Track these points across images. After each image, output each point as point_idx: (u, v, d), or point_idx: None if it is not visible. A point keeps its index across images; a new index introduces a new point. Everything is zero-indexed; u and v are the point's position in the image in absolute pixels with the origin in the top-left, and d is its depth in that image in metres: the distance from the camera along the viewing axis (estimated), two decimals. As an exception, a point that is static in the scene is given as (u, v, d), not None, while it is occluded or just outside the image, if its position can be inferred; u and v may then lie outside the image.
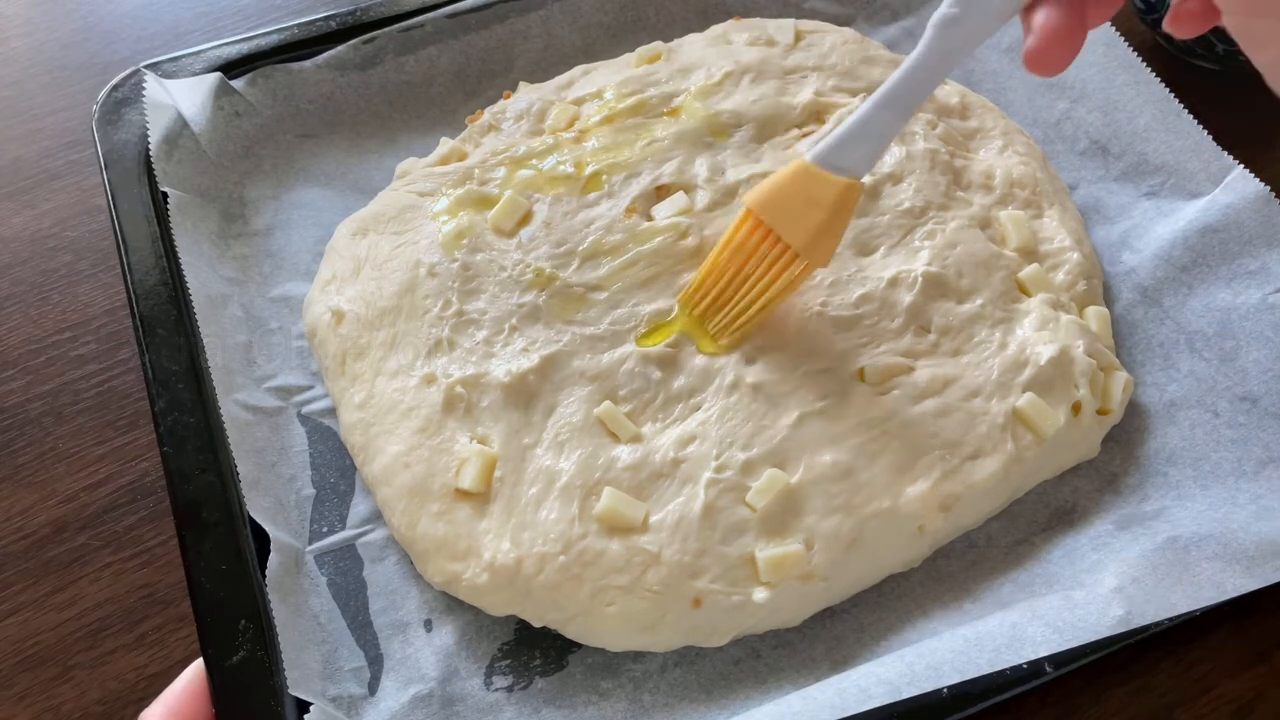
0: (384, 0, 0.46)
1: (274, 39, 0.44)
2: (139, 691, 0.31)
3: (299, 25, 0.45)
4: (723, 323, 0.35)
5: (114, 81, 0.43)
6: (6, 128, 0.48)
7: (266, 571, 0.32)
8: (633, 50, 0.46)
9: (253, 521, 0.33)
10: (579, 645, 0.33)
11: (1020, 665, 0.29)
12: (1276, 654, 0.32)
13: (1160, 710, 0.32)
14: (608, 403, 0.34)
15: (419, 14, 0.45)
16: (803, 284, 0.35)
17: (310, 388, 0.39)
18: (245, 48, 0.44)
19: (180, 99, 0.42)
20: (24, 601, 0.35)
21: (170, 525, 0.37)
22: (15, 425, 0.39)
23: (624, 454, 0.33)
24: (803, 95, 0.42)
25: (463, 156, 0.41)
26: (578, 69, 0.44)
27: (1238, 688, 0.32)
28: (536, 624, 0.32)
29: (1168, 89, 0.41)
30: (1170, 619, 0.30)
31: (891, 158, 0.41)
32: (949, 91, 0.45)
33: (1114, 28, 0.42)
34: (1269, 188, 0.37)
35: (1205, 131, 0.39)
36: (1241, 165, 0.38)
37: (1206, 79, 0.49)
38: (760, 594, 0.32)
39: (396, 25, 0.45)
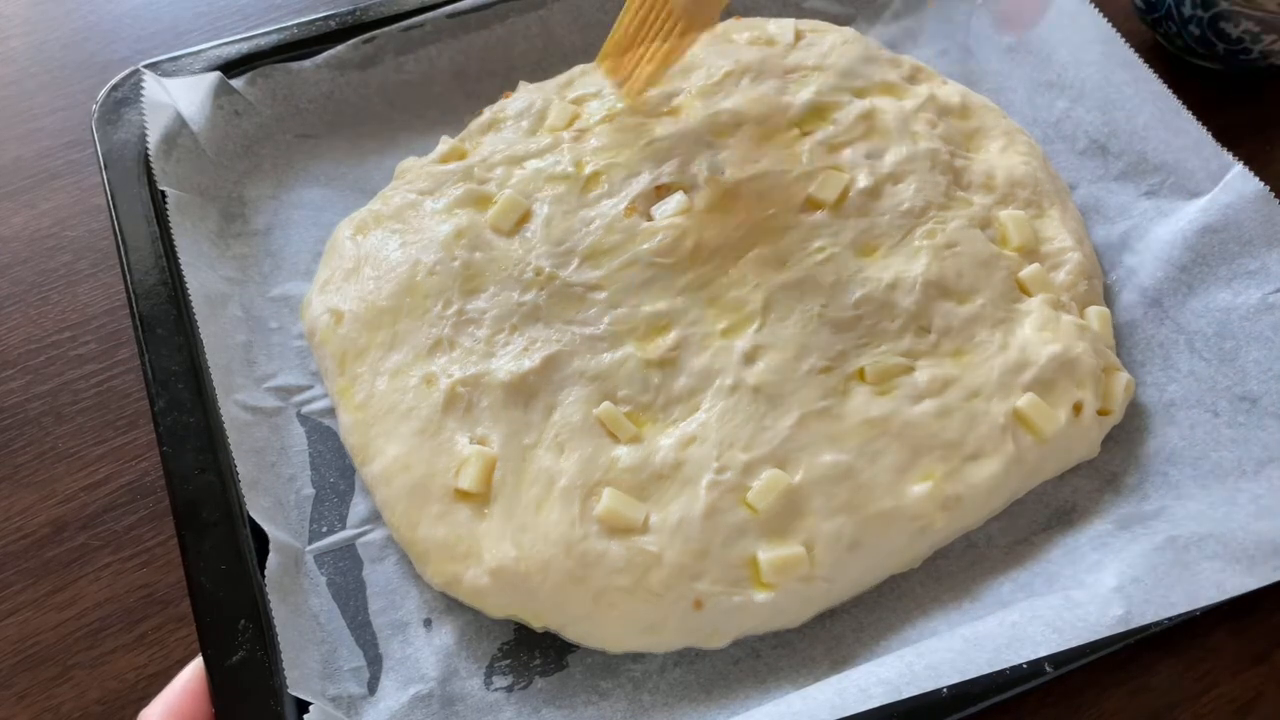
0: (384, 0, 0.46)
1: (274, 39, 0.44)
2: (139, 691, 0.31)
3: (298, 25, 0.45)
4: (629, 75, 0.38)
5: (113, 81, 0.43)
6: (6, 127, 0.48)
7: (266, 571, 0.32)
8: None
9: (253, 521, 0.33)
10: (579, 645, 0.33)
11: (1020, 665, 0.29)
12: (1276, 654, 0.32)
13: (1160, 710, 0.32)
14: (607, 403, 0.34)
15: (419, 13, 0.45)
16: (689, 45, 0.39)
17: (310, 387, 0.39)
18: (245, 47, 0.44)
19: (179, 98, 0.42)
20: (24, 601, 0.35)
21: (170, 525, 0.37)
22: (15, 425, 0.39)
23: (624, 455, 0.33)
24: (803, 95, 0.42)
25: (462, 155, 0.41)
26: (577, 68, 0.44)
27: (1238, 687, 0.32)
28: (538, 627, 0.32)
29: (1167, 88, 0.41)
30: (1170, 618, 0.30)
31: (892, 157, 0.41)
32: (950, 91, 0.45)
33: (1114, 27, 0.42)
34: (1269, 187, 0.37)
35: (1205, 129, 0.39)
36: (1241, 164, 0.38)
37: (1206, 79, 0.49)
38: (762, 595, 0.32)
39: (396, 25, 0.45)
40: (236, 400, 0.37)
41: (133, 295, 0.38)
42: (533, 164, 0.40)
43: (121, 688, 0.34)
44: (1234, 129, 0.41)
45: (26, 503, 0.37)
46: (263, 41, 0.44)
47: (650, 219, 0.39)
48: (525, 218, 0.39)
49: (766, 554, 0.32)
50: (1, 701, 0.33)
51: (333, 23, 0.45)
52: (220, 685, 0.30)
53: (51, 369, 0.41)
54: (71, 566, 0.36)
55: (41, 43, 0.52)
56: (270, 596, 0.32)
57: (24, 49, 0.52)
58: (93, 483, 0.38)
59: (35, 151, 0.47)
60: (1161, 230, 0.39)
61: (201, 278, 0.39)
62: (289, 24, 0.45)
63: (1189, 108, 0.40)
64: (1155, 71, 0.41)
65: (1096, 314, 0.38)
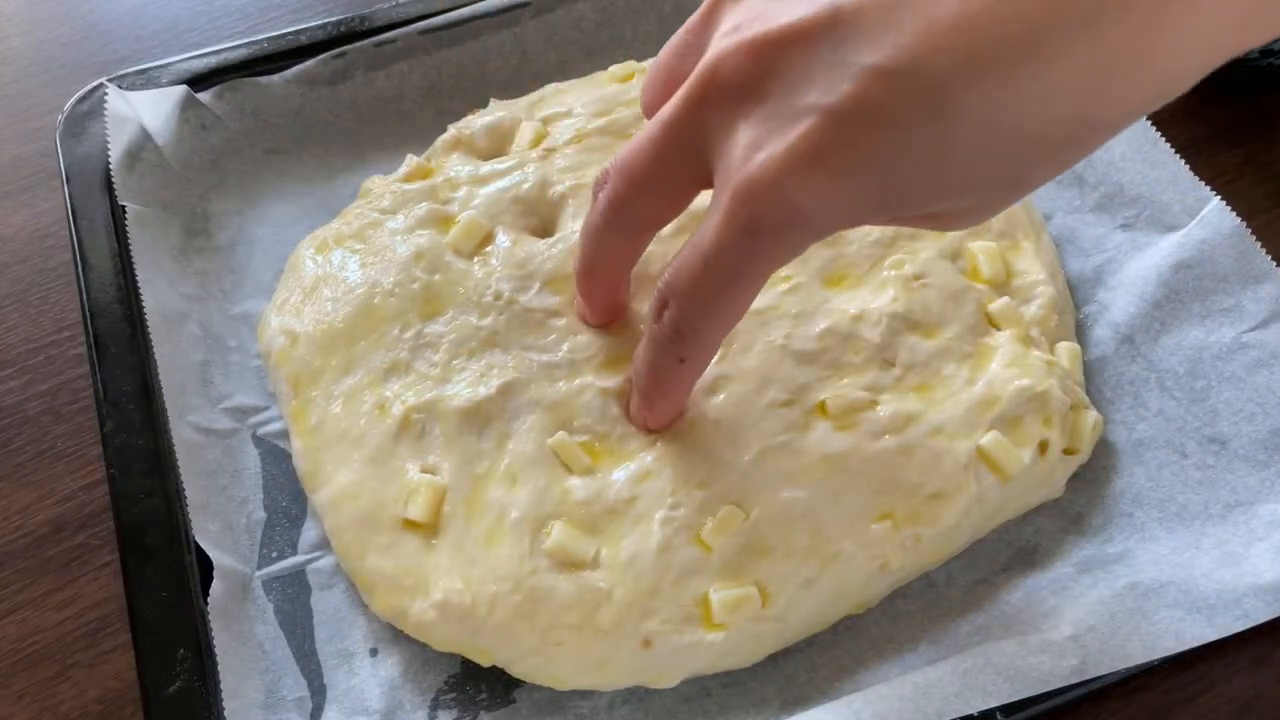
0: (355, 14, 0.45)
1: (242, 52, 0.44)
2: (137, 691, 0.31)
3: (268, 39, 0.44)
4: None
5: (79, 94, 0.42)
6: (5, 126, 0.48)
7: (209, 598, 0.31)
8: (608, 68, 0.45)
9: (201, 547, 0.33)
10: (526, 680, 0.32)
11: (971, 716, 0.28)
12: (1276, 654, 0.32)
13: (1160, 710, 0.31)
14: (562, 433, 0.34)
15: (391, 29, 0.45)
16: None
17: (267, 408, 0.38)
18: (213, 61, 0.44)
19: (144, 112, 0.42)
20: (22, 600, 0.35)
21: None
22: (14, 424, 0.39)
23: (577, 487, 0.33)
24: (775, 119, 0.42)
25: (427, 174, 0.41)
26: (549, 86, 0.44)
27: (1237, 687, 0.31)
28: (484, 664, 0.32)
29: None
30: (1126, 669, 0.29)
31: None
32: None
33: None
34: (1269, 188, 0.36)
35: (1182, 161, 0.39)
36: (1219, 198, 0.38)
37: (1206, 78, 0.48)
38: (712, 635, 0.31)
39: (368, 40, 0.45)
40: (190, 421, 0.36)
41: (88, 313, 0.37)
42: (497, 184, 0.39)
43: (121, 687, 0.33)
44: (1234, 129, 0.40)
45: (25, 502, 0.37)
46: (231, 55, 0.44)
47: (615, 243, 0.38)
48: (487, 239, 0.38)
49: (719, 593, 0.31)
50: (0, 700, 0.33)
51: (303, 37, 0.45)
52: (156, 716, 0.30)
53: (51, 368, 0.41)
54: (71, 566, 0.36)
55: (41, 42, 0.52)
56: (213, 624, 0.31)
57: (23, 48, 0.52)
58: (92, 482, 0.37)
59: (35, 151, 0.47)
60: (1136, 265, 0.39)
61: (160, 294, 0.38)
62: (259, 38, 0.44)
63: (1187, 108, 0.39)
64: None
65: (1066, 350, 0.37)
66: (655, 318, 0.28)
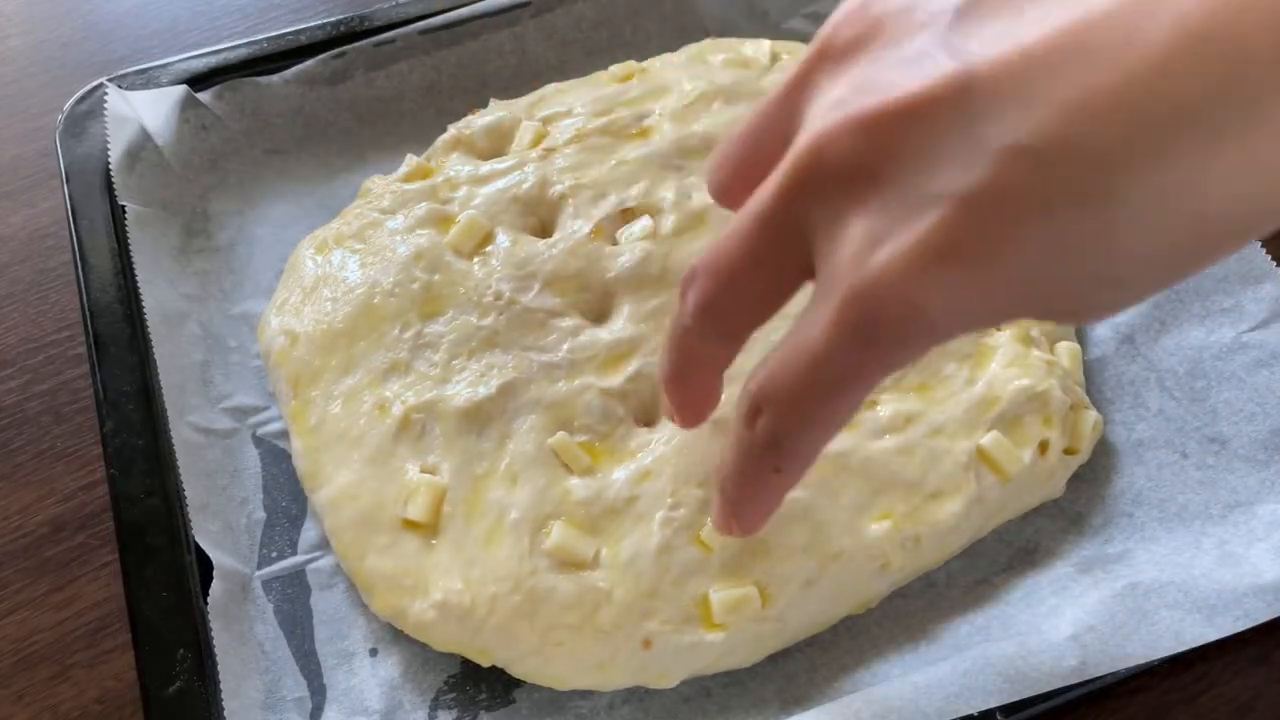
0: (355, 14, 0.45)
1: (242, 52, 0.44)
2: (137, 691, 0.31)
3: (268, 39, 0.44)
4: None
5: (78, 94, 0.42)
6: (5, 126, 0.48)
7: (209, 598, 0.31)
8: (608, 68, 0.45)
9: (201, 547, 0.33)
10: (525, 681, 0.32)
11: (971, 716, 0.28)
12: (1276, 654, 0.32)
13: (1160, 710, 0.31)
14: (562, 433, 0.34)
15: (391, 29, 0.45)
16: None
17: (267, 408, 0.38)
18: (213, 61, 0.44)
19: (144, 112, 0.42)
20: (22, 600, 0.35)
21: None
22: (14, 424, 0.39)
23: (577, 487, 0.33)
24: (775, 119, 0.42)
25: (427, 174, 0.41)
26: (549, 86, 0.44)
27: (1238, 688, 0.31)
28: (484, 664, 0.32)
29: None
30: (1126, 670, 0.29)
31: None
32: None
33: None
34: None
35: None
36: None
37: None
38: (712, 636, 0.31)
39: (368, 40, 0.45)
40: (190, 421, 0.36)
41: (88, 313, 0.37)
42: (497, 184, 0.39)
43: (121, 687, 0.33)
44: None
45: (25, 501, 0.37)
46: (231, 55, 0.44)
47: (615, 243, 0.38)
48: (487, 239, 0.38)
49: (719, 593, 0.31)
50: (0, 701, 0.33)
51: (303, 37, 0.45)
52: (156, 716, 0.30)
53: (50, 368, 0.41)
54: (70, 565, 0.36)
55: (40, 42, 0.52)
56: (213, 624, 0.31)
57: (22, 48, 0.52)
58: (91, 482, 0.37)
59: (34, 150, 0.47)
60: (1136, 264, 0.39)
61: (160, 294, 0.38)
62: (258, 38, 0.44)
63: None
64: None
65: (1067, 350, 0.37)
66: (747, 424, 0.24)
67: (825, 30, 0.22)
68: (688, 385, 0.29)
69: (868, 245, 0.20)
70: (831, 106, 0.21)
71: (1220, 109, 0.16)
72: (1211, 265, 0.20)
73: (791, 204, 0.21)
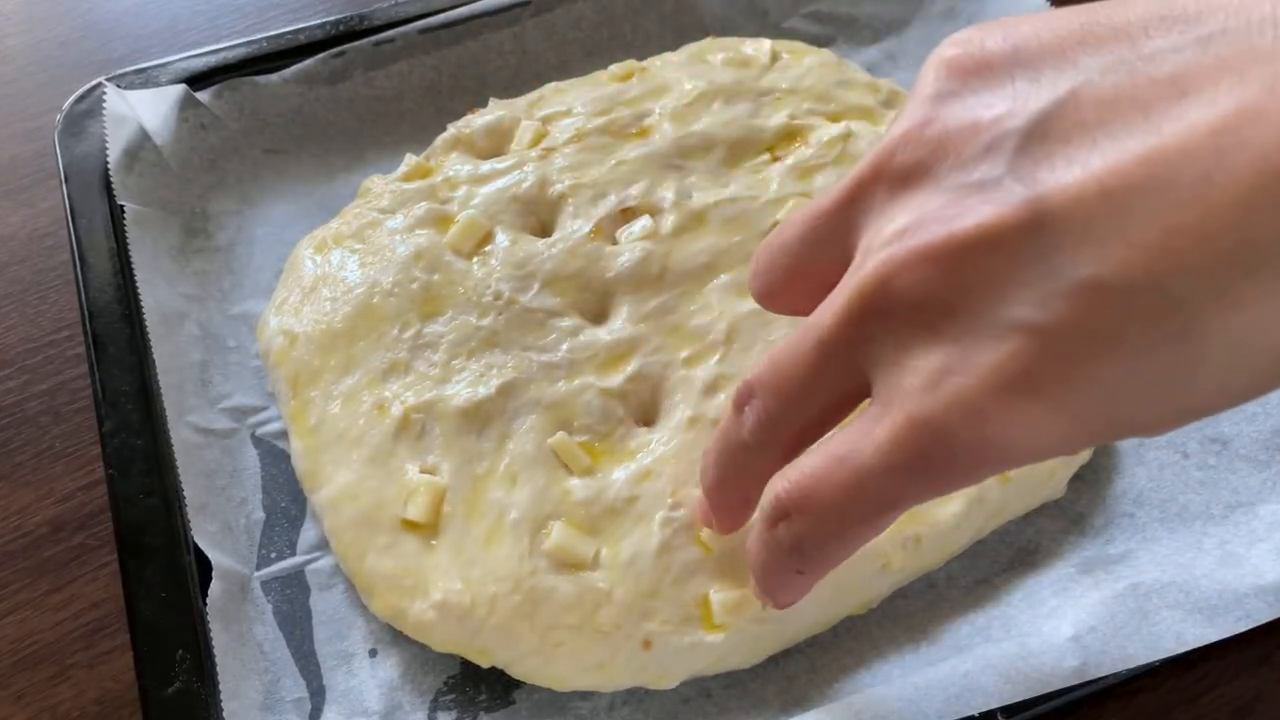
0: (355, 14, 0.45)
1: (241, 52, 0.44)
2: (136, 692, 0.31)
3: (267, 39, 0.44)
4: None
5: (77, 94, 0.42)
6: (4, 126, 0.48)
7: (208, 599, 0.31)
8: (608, 68, 0.45)
9: (200, 548, 0.33)
10: (525, 682, 0.32)
11: (972, 716, 0.28)
12: (1277, 654, 0.32)
13: (1161, 710, 0.31)
14: (561, 433, 0.34)
15: (391, 28, 0.45)
16: None
17: (266, 408, 0.38)
18: (212, 60, 0.44)
19: (143, 112, 0.42)
20: (21, 601, 0.35)
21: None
22: (13, 424, 0.39)
23: (577, 487, 0.33)
24: (776, 119, 0.42)
25: (427, 174, 0.41)
26: (549, 86, 0.44)
27: (1238, 688, 0.31)
28: (484, 664, 0.31)
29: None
30: (1128, 670, 0.29)
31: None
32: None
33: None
34: None
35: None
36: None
37: None
38: (713, 636, 0.31)
39: (367, 39, 0.45)
40: (189, 421, 0.36)
41: (86, 313, 0.37)
42: (496, 183, 0.39)
43: (119, 688, 0.33)
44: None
45: (24, 502, 0.37)
46: (230, 54, 0.44)
47: (615, 243, 0.38)
48: (487, 238, 0.38)
49: (718, 594, 0.31)
50: None
51: (302, 36, 0.45)
52: (155, 717, 0.30)
53: (49, 368, 0.41)
54: (69, 566, 0.36)
55: (39, 41, 0.52)
56: (212, 625, 0.31)
57: (21, 47, 0.52)
58: (90, 482, 0.37)
59: (33, 150, 0.47)
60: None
61: (159, 294, 0.38)
62: (257, 37, 0.44)
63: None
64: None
65: (1067, 349, 0.37)
66: (770, 524, 0.24)
67: (884, 146, 0.21)
68: (732, 494, 0.28)
69: (938, 374, 0.19)
70: (897, 235, 0.20)
71: None
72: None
73: (858, 330, 0.21)
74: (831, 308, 0.22)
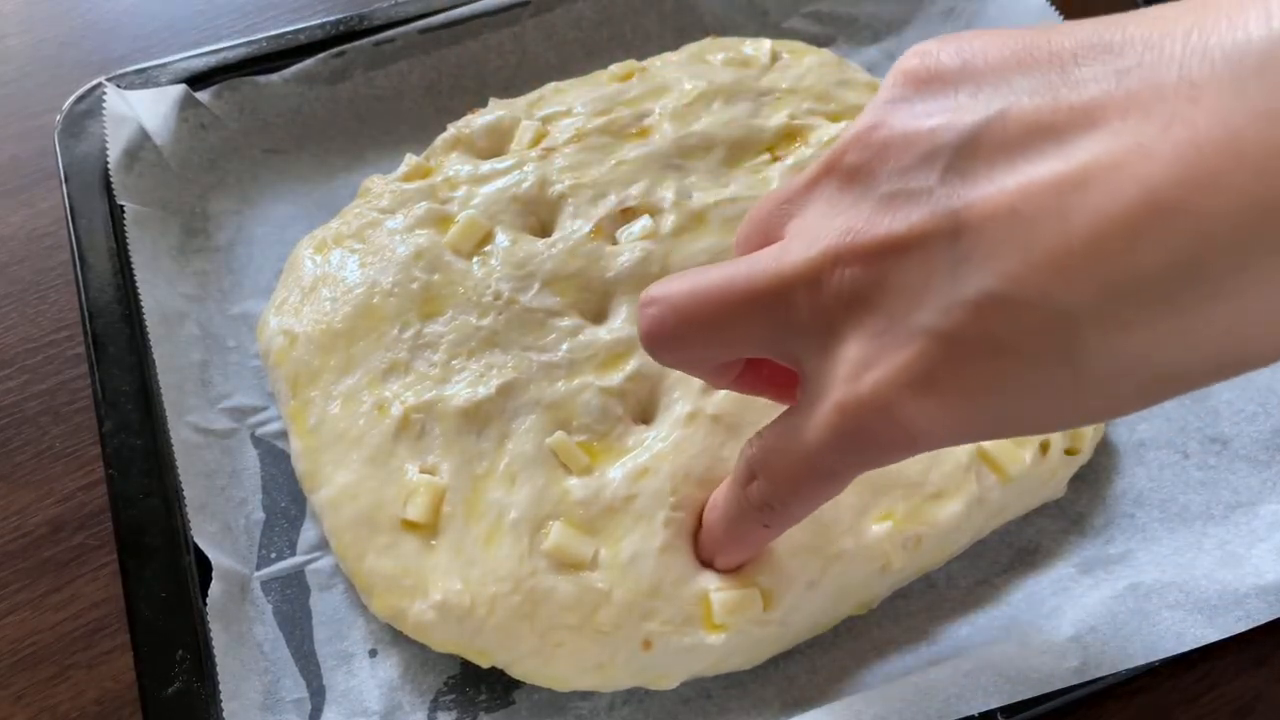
0: (354, 14, 0.45)
1: (241, 51, 0.44)
2: (136, 692, 0.31)
3: (267, 39, 0.44)
4: None
5: (77, 94, 0.42)
6: (4, 126, 0.48)
7: (208, 599, 0.31)
8: (608, 67, 0.45)
9: (199, 548, 0.33)
10: (525, 682, 0.32)
11: (972, 717, 0.28)
12: (1276, 654, 0.32)
13: (1161, 710, 0.31)
14: (560, 433, 0.34)
15: (390, 28, 0.45)
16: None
17: (265, 408, 0.38)
18: (212, 60, 0.44)
19: (143, 111, 0.41)
20: (21, 601, 0.35)
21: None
22: (13, 424, 0.39)
23: (576, 487, 0.33)
24: (776, 118, 0.42)
25: (426, 173, 0.41)
26: (549, 86, 0.44)
27: (1238, 688, 0.31)
28: (484, 665, 0.31)
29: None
30: (1128, 670, 0.29)
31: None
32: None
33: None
34: None
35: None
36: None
37: None
38: (713, 637, 0.31)
39: (367, 39, 0.45)
40: (189, 421, 0.36)
41: (86, 313, 0.37)
42: (496, 183, 0.39)
43: (119, 688, 0.33)
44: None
45: (24, 502, 0.37)
46: (230, 54, 0.44)
47: (615, 243, 0.38)
48: (486, 238, 0.38)
49: (719, 594, 0.31)
50: None
51: (302, 36, 0.45)
52: (155, 717, 0.30)
53: (49, 368, 0.41)
54: (69, 566, 0.36)
55: (39, 41, 0.52)
56: (212, 625, 0.31)
57: (21, 47, 0.52)
58: (90, 482, 0.37)
59: (33, 150, 0.47)
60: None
61: (159, 294, 0.38)
62: (257, 37, 0.44)
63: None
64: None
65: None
66: (742, 483, 0.27)
67: (838, 145, 0.23)
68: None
69: (860, 366, 0.21)
70: (836, 231, 0.22)
71: (1180, 282, 0.17)
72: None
73: (788, 313, 0.23)
74: (766, 272, 0.23)
